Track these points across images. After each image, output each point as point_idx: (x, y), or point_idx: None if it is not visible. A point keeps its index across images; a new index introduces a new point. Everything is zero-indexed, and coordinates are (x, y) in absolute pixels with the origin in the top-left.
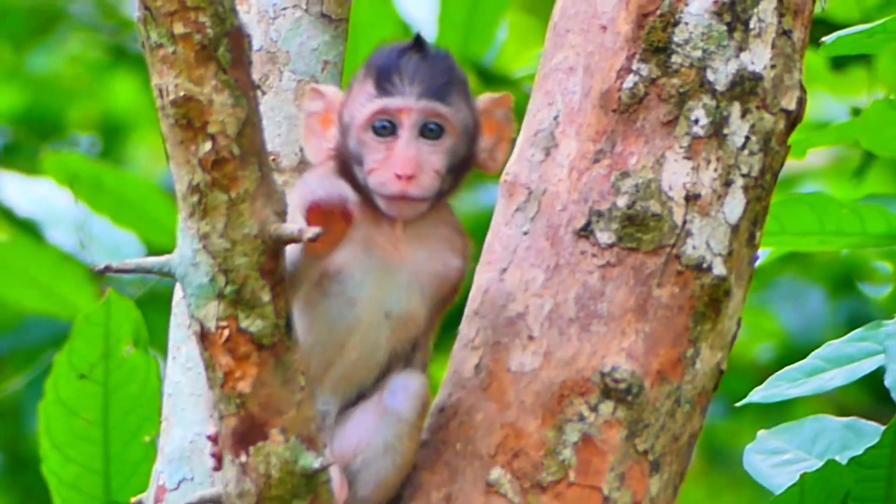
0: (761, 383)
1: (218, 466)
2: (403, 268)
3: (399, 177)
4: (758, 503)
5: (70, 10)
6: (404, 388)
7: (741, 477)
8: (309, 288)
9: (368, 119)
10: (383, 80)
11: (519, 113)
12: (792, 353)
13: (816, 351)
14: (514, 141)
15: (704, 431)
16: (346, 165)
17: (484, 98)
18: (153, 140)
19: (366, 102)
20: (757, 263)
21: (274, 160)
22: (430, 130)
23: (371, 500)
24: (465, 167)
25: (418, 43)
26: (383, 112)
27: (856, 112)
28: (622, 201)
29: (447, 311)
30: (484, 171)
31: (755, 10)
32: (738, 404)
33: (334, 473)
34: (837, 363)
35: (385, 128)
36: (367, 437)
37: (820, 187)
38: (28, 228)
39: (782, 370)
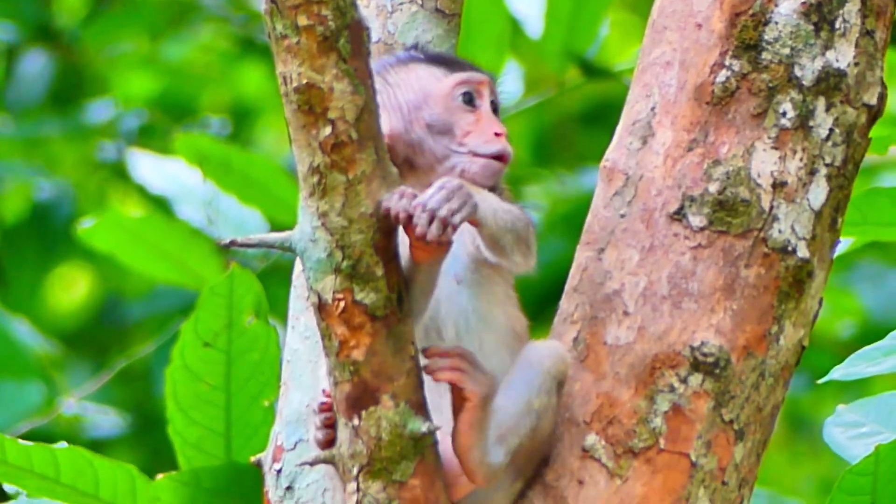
0: (842, 359)
1: (323, 438)
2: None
3: (498, 135)
4: (836, 471)
5: (202, 3)
6: (542, 347)
7: (822, 446)
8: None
9: (451, 89)
10: (446, 63)
11: (619, 104)
12: (872, 330)
13: (894, 332)
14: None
15: (788, 403)
16: (409, 146)
17: None
18: (279, 124)
19: (442, 78)
20: (840, 251)
21: None
22: (493, 105)
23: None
24: None
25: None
26: (467, 83)
27: None
28: (713, 187)
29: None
30: None
31: (840, 12)
32: (820, 381)
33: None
34: None
35: (467, 97)
36: (508, 388)
37: None
38: (160, 205)
39: (861, 350)
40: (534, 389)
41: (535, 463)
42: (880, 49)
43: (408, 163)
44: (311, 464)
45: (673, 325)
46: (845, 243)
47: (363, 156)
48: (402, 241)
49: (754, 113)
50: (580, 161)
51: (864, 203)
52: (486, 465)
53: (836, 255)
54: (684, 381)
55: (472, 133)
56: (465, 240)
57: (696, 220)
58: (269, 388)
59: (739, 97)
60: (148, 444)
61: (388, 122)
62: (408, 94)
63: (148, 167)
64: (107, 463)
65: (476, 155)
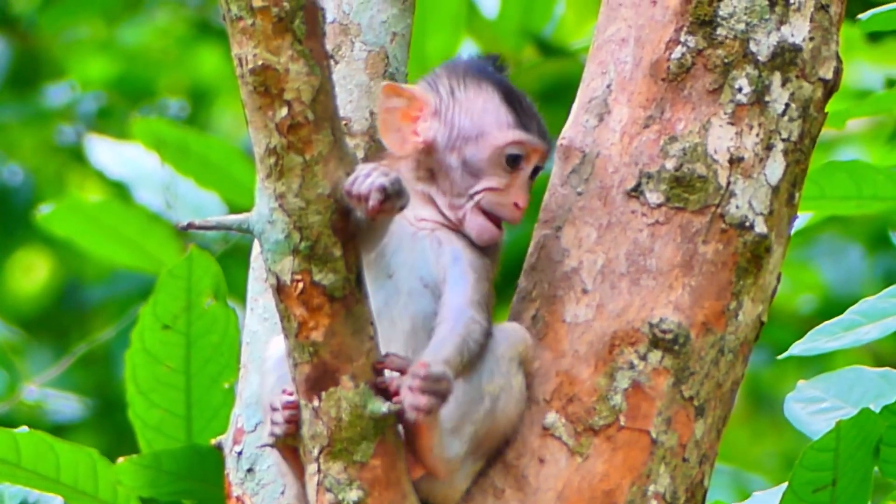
0: (803, 333)
1: (282, 434)
2: (425, 236)
3: (517, 207)
4: (798, 447)
5: None
6: (502, 330)
7: (783, 421)
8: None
9: (506, 145)
10: (517, 110)
11: (575, 82)
12: (832, 304)
13: (853, 307)
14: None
15: (749, 378)
16: (438, 163)
17: None
18: (236, 107)
19: (505, 128)
20: (799, 226)
21: (346, 125)
22: (534, 173)
23: (461, 442)
24: None
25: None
26: (521, 144)
27: (891, 83)
28: (670, 164)
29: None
30: None
31: None
32: (780, 357)
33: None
34: (873, 318)
35: (514, 158)
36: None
37: (857, 153)
38: (118, 189)
39: (822, 325)
40: (484, 374)
41: (497, 443)
42: (835, 23)
43: (430, 172)
44: (272, 446)
45: (631, 302)
46: (804, 218)
47: (320, 136)
48: None
49: (710, 89)
50: None
51: (822, 177)
52: (445, 460)
53: (795, 229)
54: (644, 358)
55: (495, 192)
56: (431, 244)
57: (654, 197)
58: (229, 370)
59: (695, 73)
60: (109, 427)
61: (434, 132)
62: (464, 119)
63: (106, 152)
64: (68, 447)
65: (482, 211)
